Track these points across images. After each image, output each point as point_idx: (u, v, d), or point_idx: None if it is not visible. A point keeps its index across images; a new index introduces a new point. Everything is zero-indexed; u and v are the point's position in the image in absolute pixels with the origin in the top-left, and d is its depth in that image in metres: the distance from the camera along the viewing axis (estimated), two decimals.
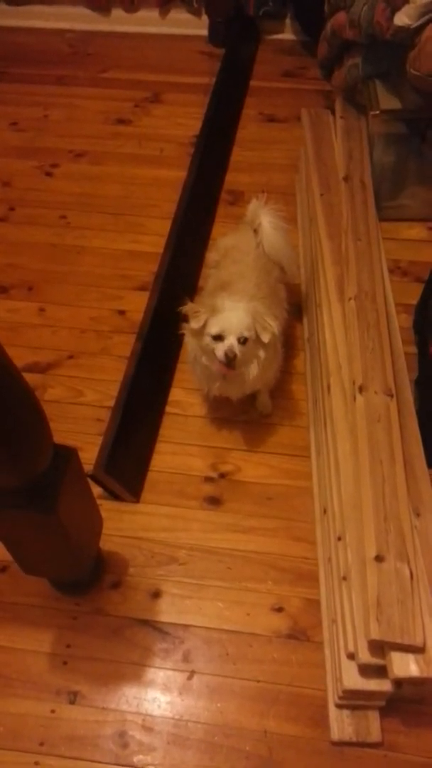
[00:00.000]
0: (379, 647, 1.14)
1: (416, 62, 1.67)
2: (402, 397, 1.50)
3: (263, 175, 2.37)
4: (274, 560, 1.48)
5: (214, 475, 1.63)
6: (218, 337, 1.42)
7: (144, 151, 2.48)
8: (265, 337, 1.44)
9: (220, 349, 1.42)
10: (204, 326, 1.44)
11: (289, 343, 1.80)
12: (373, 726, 1.23)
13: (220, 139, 2.51)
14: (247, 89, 2.76)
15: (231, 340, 1.41)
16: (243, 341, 1.42)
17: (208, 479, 1.62)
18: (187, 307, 1.47)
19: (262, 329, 1.43)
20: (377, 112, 1.90)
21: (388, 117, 1.91)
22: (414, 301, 1.88)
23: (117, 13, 3.03)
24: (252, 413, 1.73)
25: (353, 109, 2.14)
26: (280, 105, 2.66)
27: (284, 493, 1.59)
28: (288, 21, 2.98)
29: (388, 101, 1.91)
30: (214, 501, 1.59)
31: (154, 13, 3.00)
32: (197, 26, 2.97)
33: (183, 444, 1.69)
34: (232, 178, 2.38)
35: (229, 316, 1.42)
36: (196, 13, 2.97)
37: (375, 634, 1.11)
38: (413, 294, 1.89)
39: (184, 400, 1.77)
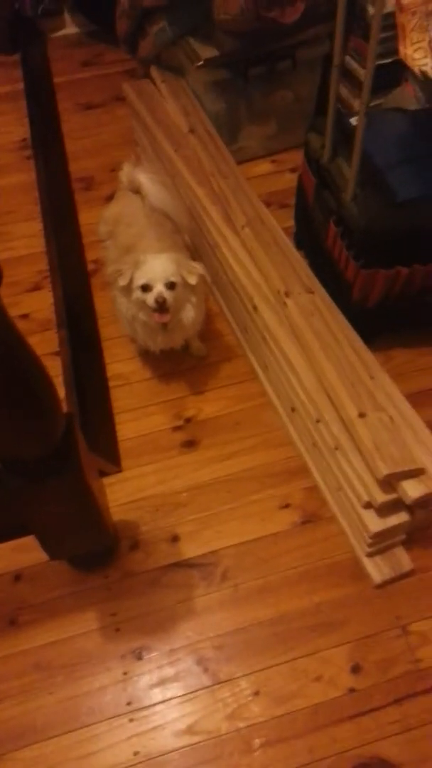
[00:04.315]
0: (388, 483, 1.31)
1: (224, 6, 1.83)
2: (319, 292, 1.67)
3: (105, 156, 2.44)
4: (264, 470, 1.61)
5: (180, 423, 1.72)
6: (146, 288, 1.51)
7: None
8: (193, 280, 1.54)
9: (150, 297, 1.50)
10: (131, 281, 1.52)
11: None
12: (403, 558, 1.41)
13: (51, 135, 2.55)
14: (53, 86, 2.80)
15: (159, 287, 1.50)
16: (171, 286, 1.51)
17: (177, 428, 1.71)
18: (111, 269, 1.53)
19: (188, 273, 1.54)
20: (201, 62, 2.04)
21: (211, 66, 2.06)
22: (289, 224, 2.07)
23: None
24: (190, 360, 1.83)
25: (169, 72, 2.28)
26: (90, 93, 2.74)
27: (248, 414, 1.72)
28: (67, 15, 3.05)
29: (206, 52, 2.06)
30: (190, 444, 1.68)
31: None
32: None
33: (139, 408, 1.76)
34: (77, 167, 2.43)
35: (152, 265, 1.51)
36: None
37: (385, 471, 1.27)
38: (286, 218, 2.08)
39: (124, 371, 1.83)
